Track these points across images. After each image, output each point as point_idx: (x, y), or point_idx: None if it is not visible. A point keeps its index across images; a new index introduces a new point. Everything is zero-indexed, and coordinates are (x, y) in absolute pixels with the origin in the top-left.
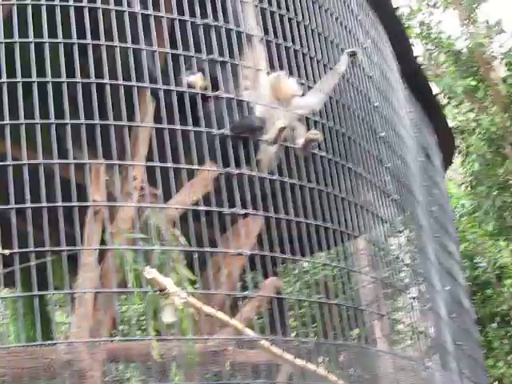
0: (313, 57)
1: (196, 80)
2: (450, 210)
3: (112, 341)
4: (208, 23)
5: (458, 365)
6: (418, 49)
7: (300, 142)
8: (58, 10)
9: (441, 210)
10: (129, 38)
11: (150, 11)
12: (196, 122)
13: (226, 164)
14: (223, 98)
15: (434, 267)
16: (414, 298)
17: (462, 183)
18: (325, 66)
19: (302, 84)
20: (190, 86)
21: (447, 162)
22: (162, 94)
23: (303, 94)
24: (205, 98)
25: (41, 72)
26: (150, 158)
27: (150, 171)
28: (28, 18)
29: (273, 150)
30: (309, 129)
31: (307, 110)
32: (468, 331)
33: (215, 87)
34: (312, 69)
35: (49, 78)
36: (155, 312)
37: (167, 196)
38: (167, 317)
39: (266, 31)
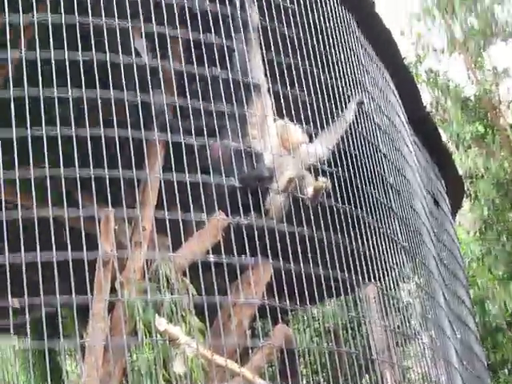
0: (320, 106)
1: None
2: (460, 256)
3: None
4: (215, 74)
5: None
6: (426, 95)
7: (309, 191)
8: (67, 63)
9: (450, 256)
10: (137, 89)
11: (158, 62)
12: (206, 172)
13: (236, 213)
14: (231, 147)
15: (445, 313)
16: (425, 346)
17: (471, 229)
18: (332, 114)
19: (310, 132)
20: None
21: (456, 207)
22: (171, 144)
23: (311, 142)
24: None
25: (51, 124)
26: (159, 207)
27: (160, 221)
28: (37, 70)
29: (281, 199)
30: (317, 177)
31: (315, 158)
32: (479, 378)
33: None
34: (320, 117)
35: (58, 131)
36: (165, 362)
37: (177, 245)
38: (178, 367)
39: (274, 80)
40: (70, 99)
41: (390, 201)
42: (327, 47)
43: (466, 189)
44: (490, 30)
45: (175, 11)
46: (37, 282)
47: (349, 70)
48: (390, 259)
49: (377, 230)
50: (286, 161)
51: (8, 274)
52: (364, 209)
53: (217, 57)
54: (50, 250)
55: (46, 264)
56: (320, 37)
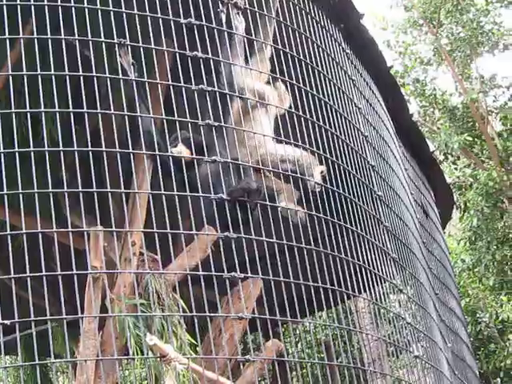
0: (306, 118)
1: (180, 151)
2: (450, 266)
3: None
4: (203, 88)
5: None
6: (413, 106)
7: (316, 176)
8: (53, 80)
9: (441, 266)
10: (124, 105)
11: (145, 78)
12: (193, 187)
13: (225, 228)
14: (219, 162)
15: (436, 324)
16: (416, 357)
17: (461, 239)
18: (318, 126)
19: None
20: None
21: (446, 217)
22: (158, 160)
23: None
24: (190, 165)
25: (38, 141)
26: (148, 223)
27: (149, 237)
28: (24, 87)
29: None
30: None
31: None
32: None
33: (210, 151)
34: (304, 128)
35: (46, 147)
36: (157, 378)
37: (166, 261)
38: (169, 382)
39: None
40: (57, 116)
41: (379, 212)
42: (313, 57)
43: (455, 199)
44: (476, 40)
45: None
46: (26, 299)
47: (336, 80)
48: (380, 270)
49: (366, 241)
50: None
51: None
52: (353, 220)
53: (203, 69)
54: (39, 266)
55: (35, 281)
56: (306, 47)
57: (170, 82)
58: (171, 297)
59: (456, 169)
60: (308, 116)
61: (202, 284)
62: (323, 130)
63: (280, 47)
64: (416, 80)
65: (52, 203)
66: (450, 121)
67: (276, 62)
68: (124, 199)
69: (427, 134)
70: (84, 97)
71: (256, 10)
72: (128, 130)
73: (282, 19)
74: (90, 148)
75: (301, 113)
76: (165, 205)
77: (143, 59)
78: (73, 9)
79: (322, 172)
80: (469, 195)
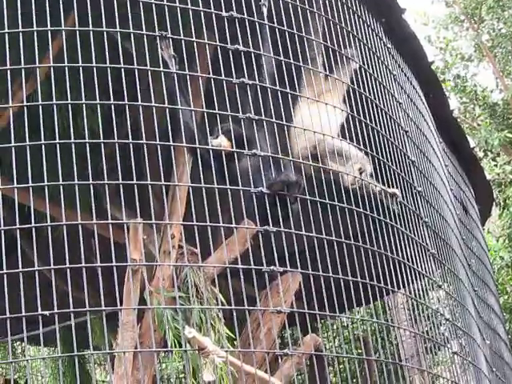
0: (347, 112)
1: (220, 142)
2: (489, 263)
3: None
4: (244, 81)
5: None
6: (453, 102)
7: (355, 170)
8: (95, 71)
9: (480, 263)
10: (165, 98)
11: (186, 71)
12: (234, 180)
13: (264, 221)
14: (259, 155)
15: (474, 321)
16: (454, 353)
17: (500, 236)
18: (359, 120)
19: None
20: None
21: (485, 214)
22: (199, 153)
23: None
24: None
25: (78, 133)
26: (187, 216)
27: (188, 230)
28: (66, 80)
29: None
30: None
31: None
32: None
33: (250, 144)
34: (345, 123)
35: (87, 139)
36: (195, 371)
37: (206, 254)
38: (207, 375)
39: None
40: (98, 107)
41: (419, 207)
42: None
43: (494, 196)
44: None
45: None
46: (66, 291)
47: (377, 75)
48: (420, 266)
49: (406, 236)
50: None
51: (37, 282)
52: (393, 215)
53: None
54: (79, 258)
55: (75, 273)
56: (347, 41)
57: (211, 75)
58: (210, 290)
59: (496, 166)
60: (349, 110)
61: (241, 277)
62: (363, 125)
63: (321, 41)
64: (457, 76)
65: (92, 195)
66: (491, 117)
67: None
68: (164, 192)
69: (467, 131)
70: (125, 89)
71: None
72: (168, 122)
73: (323, 13)
74: (130, 140)
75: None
76: (205, 198)
77: (184, 52)
78: (114, 1)
79: (360, 169)
80: (508, 192)
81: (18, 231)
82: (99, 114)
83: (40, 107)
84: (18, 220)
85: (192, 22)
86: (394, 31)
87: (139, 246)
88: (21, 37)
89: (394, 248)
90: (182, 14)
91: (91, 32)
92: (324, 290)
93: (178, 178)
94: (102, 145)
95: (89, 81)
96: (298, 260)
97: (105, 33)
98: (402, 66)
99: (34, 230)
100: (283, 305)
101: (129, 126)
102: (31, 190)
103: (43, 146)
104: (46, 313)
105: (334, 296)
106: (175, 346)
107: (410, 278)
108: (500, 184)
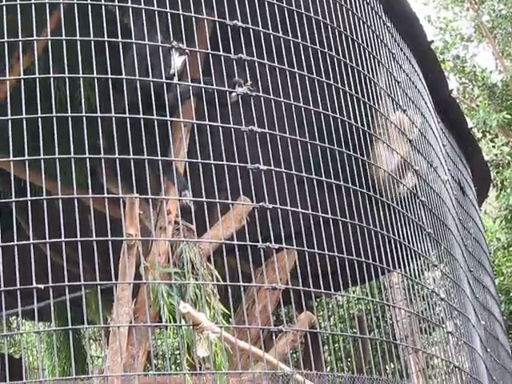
0: (346, 91)
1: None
2: (486, 244)
3: (146, 375)
4: (242, 57)
5: None
6: (452, 83)
7: None
8: (92, 46)
9: (476, 244)
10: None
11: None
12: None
13: (260, 198)
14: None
15: (470, 301)
16: (449, 333)
17: (497, 217)
18: (357, 98)
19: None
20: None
21: (483, 195)
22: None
23: None
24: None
25: (75, 107)
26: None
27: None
28: (63, 53)
29: None
30: None
31: None
32: (504, 366)
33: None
34: (344, 101)
35: (83, 112)
36: (189, 346)
37: (201, 230)
38: (201, 351)
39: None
40: (96, 81)
41: (415, 186)
42: (353, 29)
43: (492, 177)
44: None
45: None
46: (61, 265)
47: (375, 53)
48: (416, 246)
49: (402, 215)
50: None
51: (32, 256)
52: (389, 196)
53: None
54: (75, 233)
55: (70, 247)
56: (346, 18)
57: (209, 51)
58: (205, 266)
59: (494, 147)
60: (347, 88)
61: (237, 254)
62: (361, 102)
63: (320, 18)
64: (456, 56)
65: (88, 170)
66: (489, 98)
67: (316, 34)
68: (161, 167)
69: (466, 111)
70: (123, 63)
71: None
72: (166, 97)
73: None
74: (127, 115)
75: (339, 85)
76: (201, 174)
77: (183, 27)
78: None
79: None
80: (506, 173)
81: (13, 204)
82: (96, 89)
83: (37, 80)
84: (13, 194)
85: None
86: (394, 10)
87: (135, 221)
88: (18, 9)
89: (390, 227)
90: None
91: (89, 6)
92: (319, 269)
93: (175, 154)
94: (99, 119)
95: (86, 56)
96: (293, 238)
97: (103, 7)
98: (401, 45)
99: (29, 203)
100: (279, 282)
101: (126, 102)
102: (27, 163)
103: (40, 119)
104: (41, 286)
105: (329, 274)
106: (170, 322)
107: (406, 257)
108: (498, 165)
